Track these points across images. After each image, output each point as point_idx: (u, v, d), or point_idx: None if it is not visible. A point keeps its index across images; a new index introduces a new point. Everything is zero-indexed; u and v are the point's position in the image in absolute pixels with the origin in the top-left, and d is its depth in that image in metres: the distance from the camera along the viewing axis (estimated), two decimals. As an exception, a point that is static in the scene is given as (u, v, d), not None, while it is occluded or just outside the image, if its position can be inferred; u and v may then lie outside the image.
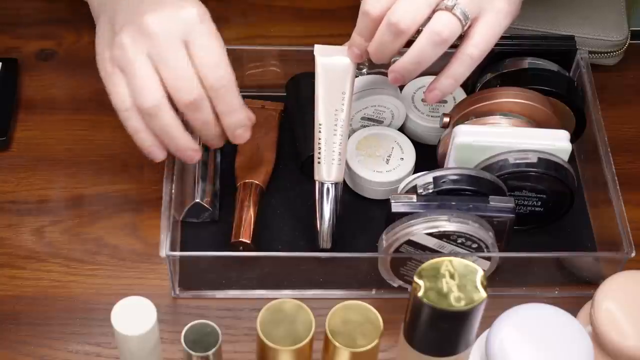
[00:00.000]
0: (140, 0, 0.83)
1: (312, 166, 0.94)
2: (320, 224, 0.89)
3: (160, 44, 0.81)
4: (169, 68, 0.82)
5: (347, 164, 0.94)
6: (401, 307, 0.76)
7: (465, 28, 0.84)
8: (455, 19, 0.82)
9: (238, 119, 0.85)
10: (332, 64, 0.89)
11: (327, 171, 0.89)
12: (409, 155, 0.95)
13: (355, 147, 0.95)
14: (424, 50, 0.83)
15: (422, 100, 0.99)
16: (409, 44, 0.85)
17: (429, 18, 0.83)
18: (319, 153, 0.89)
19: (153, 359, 0.78)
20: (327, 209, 0.89)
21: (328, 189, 0.89)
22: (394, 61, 0.87)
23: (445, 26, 0.82)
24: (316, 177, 0.89)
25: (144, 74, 0.82)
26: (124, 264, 0.91)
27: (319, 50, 0.89)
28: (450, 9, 0.82)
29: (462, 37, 0.85)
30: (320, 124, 0.88)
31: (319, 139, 0.89)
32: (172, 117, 0.83)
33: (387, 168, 0.94)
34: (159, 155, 0.85)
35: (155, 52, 0.82)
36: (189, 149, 0.85)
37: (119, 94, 0.83)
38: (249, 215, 0.90)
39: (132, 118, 0.84)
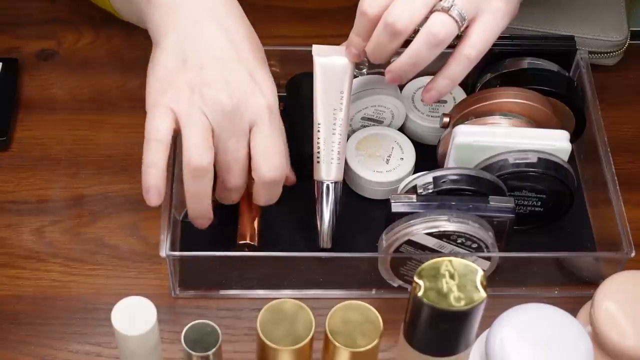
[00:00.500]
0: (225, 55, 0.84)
1: (312, 166, 0.94)
2: (320, 224, 0.89)
3: (230, 121, 0.82)
4: (229, 150, 0.83)
5: (347, 164, 0.94)
6: (401, 307, 0.76)
7: (462, 29, 0.84)
8: (451, 20, 0.82)
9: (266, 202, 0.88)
10: (330, 63, 0.89)
11: (327, 170, 0.89)
12: (409, 155, 0.95)
13: (355, 147, 0.95)
14: (420, 51, 0.83)
15: (422, 100, 0.99)
16: (406, 43, 0.85)
17: (426, 18, 0.83)
18: (318, 152, 0.89)
19: (153, 359, 0.78)
20: (326, 209, 0.89)
21: (328, 189, 0.89)
22: (393, 61, 0.87)
23: (441, 27, 0.82)
24: (315, 177, 0.89)
25: (202, 137, 0.82)
26: (124, 264, 0.91)
27: (317, 50, 0.90)
28: (446, 10, 0.82)
29: (459, 37, 0.85)
30: (319, 124, 0.89)
31: (318, 138, 0.89)
32: (208, 185, 0.83)
33: (387, 168, 0.94)
34: (156, 200, 0.83)
35: (220, 127, 0.82)
36: (205, 217, 0.86)
37: (161, 130, 0.83)
38: (253, 216, 0.90)
39: (160, 151, 0.83)
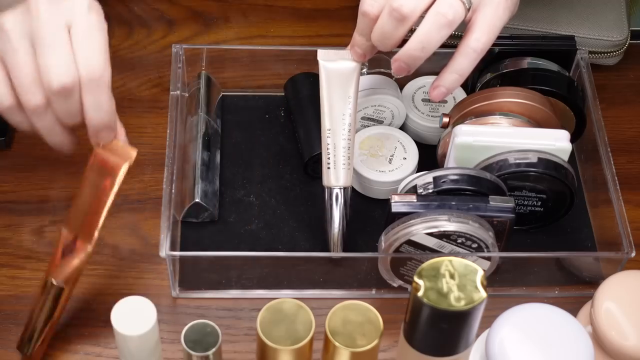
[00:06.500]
0: None
1: (315, 166, 0.94)
2: (331, 230, 0.89)
3: (42, 25, 0.77)
4: (46, 48, 0.78)
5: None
6: (401, 307, 0.76)
7: (468, 16, 0.83)
8: (459, 2, 0.81)
9: (103, 119, 0.81)
10: (336, 69, 0.88)
11: (336, 176, 0.88)
12: (412, 155, 0.95)
13: (358, 147, 0.95)
14: (429, 33, 0.82)
15: (424, 99, 0.99)
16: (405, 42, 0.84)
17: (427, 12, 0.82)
18: (328, 159, 0.88)
19: (153, 359, 0.78)
20: (337, 214, 0.89)
21: (337, 194, 0.89)
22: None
23: (450, 7, 0.81)
24: (325, 183, 0.89)
25: (27, 68, 0.78)
26: (124, 264, 0.91)
27: (323, 55, 0.89)
28: None
29: (461, 36, 0.85)
30: (328, 130, 0.88)
31: (328, 144, 0.88)
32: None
33: (390, 168, 0.94)
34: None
35: (36, 34, 0.78)
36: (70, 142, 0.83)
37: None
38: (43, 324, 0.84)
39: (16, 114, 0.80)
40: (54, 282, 0.82)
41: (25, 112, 0.80)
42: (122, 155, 0.83)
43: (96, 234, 0.82)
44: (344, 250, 0.89)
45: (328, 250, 0.89)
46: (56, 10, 0.78)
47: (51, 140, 0.82)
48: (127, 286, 0.90)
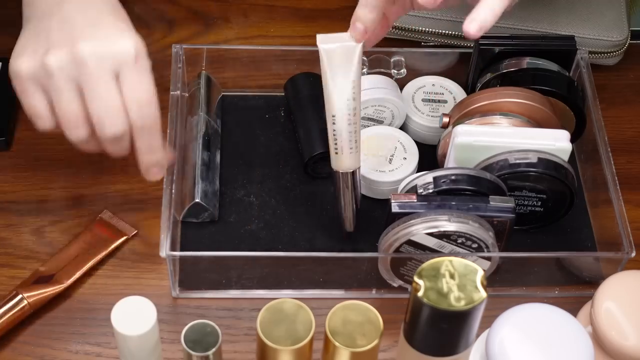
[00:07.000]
0: (74, 25, 0.80)
1: (315, 166, 0.94)
2: (344, 211, 0.89)
3: (91, 73, 0.79)
4: (97, 100, 0.79)
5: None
6: (401, 307, 0.76)
7: None
8: None
9: (155, 159, 0.84)
10: (337, 52, 0.85)
11: (344, 160, 0.88)
12: (412, 155, 0.95)
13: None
14: None
15: (424, 99, 0.99)
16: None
17: None
18: (335, 144, 0.87)
19: (153, 359, 0.78)
20: (348, 196, 0.89)
21: (347, 177, 0.88)
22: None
23: None
24: (334, 167, 0.88)
25: (72, 108, 0.80)
26: (124, 264, 0.91)
27: (322, 39, 0.87)
28: None
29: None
30: (333, 116, 0.86)
31: (334, 130, 0.86)
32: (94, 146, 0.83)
33: (390, 168, 0.94)
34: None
35: (84, 81, 0.79)
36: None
37: (42, 117, 0.82)
38: None
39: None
40: (24, 297, 0.86)
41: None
42: (122, 230, 0.92)
43: (77, 275, 0.89)
44: (334, 244, 0.90)
45: (344, 230, 0.90)
46: (102, 58, 0.79)
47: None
48: (127, 286, 0.90)
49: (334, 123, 0.86)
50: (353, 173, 0.88)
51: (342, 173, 0.88)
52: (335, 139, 0.87)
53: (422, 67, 1.01)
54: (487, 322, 0.76)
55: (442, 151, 0.93)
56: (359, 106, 0.86)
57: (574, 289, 0.91)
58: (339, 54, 0.84)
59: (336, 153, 0.87)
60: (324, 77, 0.85)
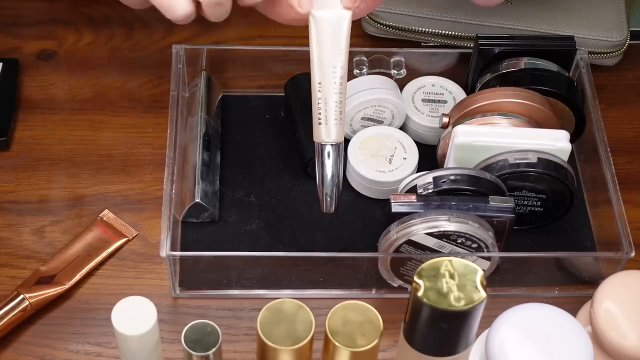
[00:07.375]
0: None
1: (315, 166, 0.94)
2: (323, 187, 0.84)
3: None
4: None
5: (349, 163, 0.94)
6: (401, 307, 0.76)
7: None
8: None
9: None
10: (326, 18, 0.83)
11: (327, 132, 0.83)
12: (412, 155, 0.95)
13: (358, 147, 0.95)
14: None
15: (424, 99, 0.99)
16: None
17: None
18: (319, 114, 0.83)
19: (153, 359, 0.78)
20: (328, 171, 0.83)
21: (329, 151, 0.83)
22: None
23: None
24: (316, 139, 0.84)
25: None
26: (124, 264, 0.91)
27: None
28: None
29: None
30: (319, 83, 0.83)
31: (318, 99, 0.83)
32: None
33: (390, 168, 0.94)
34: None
35: None
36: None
37: None
38: None
39: None
40: (26, 298, 0.86)
41: None
42: (123, 231, 0.92)
43: (78, 277, 0.89)
44: (333, 244, 0.89)
45: (322, 211, 0.85)
46: None
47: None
48: (127, 286, 0.90)
49: (319, 91, 0.83)
50: (338, 147, 0.84)
51: (324, 145, 0.83)
52: (320, 108, 0.83)
53: (422, 68, 1.01)
54: (487, 322, 0.76)
55: (442, 151, 0.93)
56: (346, 77, 0.83)
57: (574, 289, 0.91)
58: (328, 22, 0.82)
59: (319, 123, 0.83)
60: (310, 42, 0.83)
